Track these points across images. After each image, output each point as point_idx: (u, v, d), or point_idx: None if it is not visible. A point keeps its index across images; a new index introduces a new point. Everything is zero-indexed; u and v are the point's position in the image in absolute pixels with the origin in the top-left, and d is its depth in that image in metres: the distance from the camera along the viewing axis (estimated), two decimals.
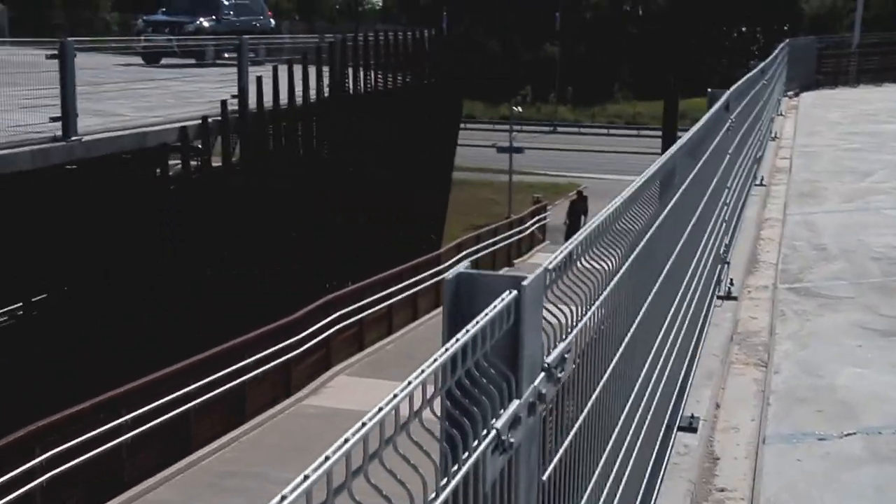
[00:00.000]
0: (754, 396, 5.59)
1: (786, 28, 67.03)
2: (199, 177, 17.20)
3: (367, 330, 18.64)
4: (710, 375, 5.75)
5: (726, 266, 7.51)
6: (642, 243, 3.45)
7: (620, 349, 3.08)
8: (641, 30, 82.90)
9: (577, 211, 29.51)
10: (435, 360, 1.54)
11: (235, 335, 14.52)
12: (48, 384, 13.07)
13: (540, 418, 2.13)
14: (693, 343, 5.58)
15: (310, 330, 16.25)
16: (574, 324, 2.48)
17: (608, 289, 2.76)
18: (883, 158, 14.11)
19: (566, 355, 2.33)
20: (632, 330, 3.31)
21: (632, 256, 3.21)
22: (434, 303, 21.76)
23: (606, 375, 2.84)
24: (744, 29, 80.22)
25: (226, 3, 29.56)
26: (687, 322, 5.14)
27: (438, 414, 1.64)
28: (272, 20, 31.99)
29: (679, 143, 4.55)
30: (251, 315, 15.99)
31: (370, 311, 18.67)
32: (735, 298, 7.30)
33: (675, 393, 4.92)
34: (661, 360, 4.13)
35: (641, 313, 3.54)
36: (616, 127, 68.64)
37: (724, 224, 7.47)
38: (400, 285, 19.96)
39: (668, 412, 4.67)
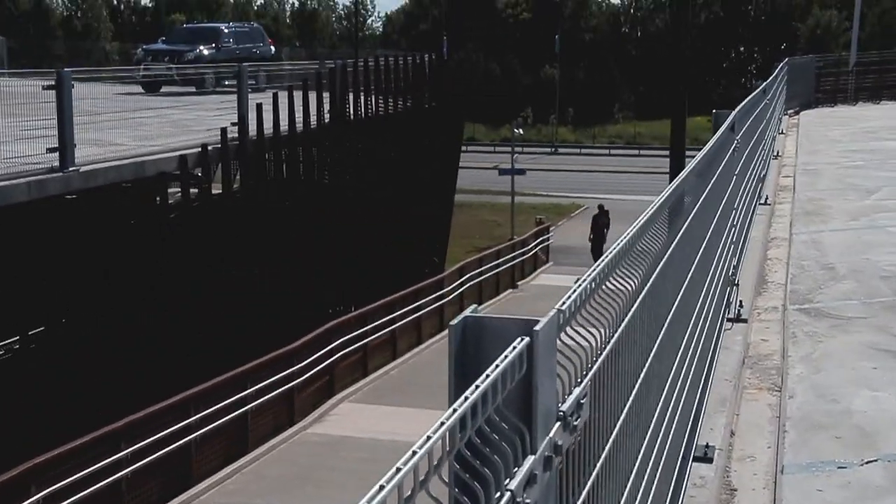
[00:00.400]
0: (769, 423, 5.41)
1: (783, 47, 67.24)
2: (199, 205, 17.07)
3: (370, 355, 18.44)
4: (723, 402, 5.57)
5: (735, 288, 7.35)
6: (656, 271, 3.30)
7: (637, 385, 2.91)
8: (640, 51, 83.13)
9: (601, 225, 30.16)
10: (442, 423, 1.37)
11: (237, 363, 14.33)
12: (46, 417, 12.88)
13: (556, 472, 1.96)
14: (705, 369, 5.42)
15: (313, 357, 16.04)
16: (589, 364, 2.32)
17: (624, 322, 2.60)
18: (886, 175, 13.97)
19: (582, 401, 2.17)
20: (648, 363, 3.15)
21: (646, 287, 3.06)
22: (438, 326, 21.58)
23: (623, 415, 2.68)
24: (741, 49, 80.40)
25: (225, 31, 29.60)
26: (700, 347, 4.98)
27: (446, 479, 1.47)
28: (272, 47, 31.99)
29: (689, 167, 4.41)
30: (253, 343, 15.81)
31: (373, 336, 18.47)
32: (745, 321, 7.14)
33: (690, 421, 4.75)
34: (676, 389, 3.97)
35: (657, 345, 3.39)
36: (617, 147, 68.69)
37: (733, 245, 7.32)
38: (403, 309, 19.76)
39: (683, 442, 4.49)
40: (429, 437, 1.36)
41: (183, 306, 15.93)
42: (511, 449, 1.68)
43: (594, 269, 2.46)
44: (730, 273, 7.01)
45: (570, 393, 2.05)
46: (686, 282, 4.27)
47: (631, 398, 2.77)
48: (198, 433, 13.16)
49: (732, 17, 79.28)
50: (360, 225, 21.49)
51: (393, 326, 19.24)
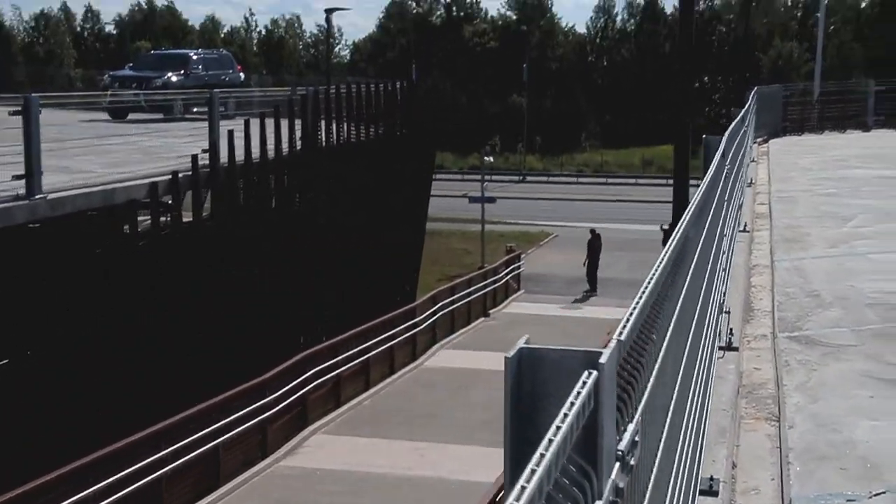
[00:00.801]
0: (770, 454, 5.31)
1: (746, 77, 68.12)
2: (169, 232, 16.80)
3: (343, 386, 18.25)
4: (722, 432, 5.47)
5: (726, 316, 7.29)
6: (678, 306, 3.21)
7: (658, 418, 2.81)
8: (607, 80, 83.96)
9: (595, 249, 31.76)
10: (522, 488, 1.23)
11: (207, 397, 14.05)
12: (11, 454, 12.50)
13: None
14: (702, 398, 5.32)
15: (285, 388, 15.81)
16: (637, 399, 2.19)
17: (661, 353, 2.50)
18: (859, 203, 14.07)
19: (636, 438, 2.04)
20: (647, 393, 3.07)
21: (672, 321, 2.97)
22: (411, 356, 21.46)
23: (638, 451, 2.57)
24: (706, 79, 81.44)
25: (194, 57, 29.39)
26: (695, 377, 4.88)
27: None
28: (242, 74, 31.82)
29: (694, 201, 4.35)
30: (223, 374, 15.54)
31: (346, 366, 18.28)
32: (736, 349, 7.06)
33: (691, 454, 4.64)
34: (678, 420, 3.87)
35: (653, 374, 3.31)
36: (585, 175, 69.12)
37: (723, 272, 7.26)
38: (376, 339, 19.58)
39: (687, 476, 4.38)
40: (523, 488, 1.23)
41: (151, 336, 15.62)
42: (581, 493, 1.56)
43: (642, 299, 2.37)
44: (720, 301, 6.95)
45: (626, 430, 1.93)
46: (677, 310, 4.19)
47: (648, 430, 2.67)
48: (168, 468, 12.85)
49: (697, 47, 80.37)
50: (333, 253, 21.32)
51: (366, 356, 19.05)
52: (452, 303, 24.38)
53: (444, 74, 60.59)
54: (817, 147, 23.66)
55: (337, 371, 17.89)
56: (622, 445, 1.88)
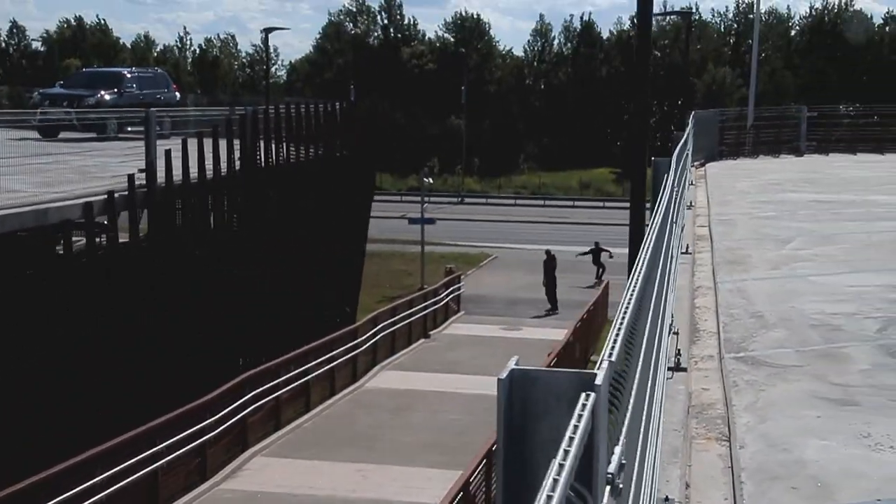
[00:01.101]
0: (722, 473, 5.35)
1: (680, 102, 69.41)
2: (104, 253, 16.49)
3: (283, 408, 18.05)
4: (675, 452, 5.51)
5: (675, 336, 7.37)
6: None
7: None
8: (544, 103, 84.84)
9: (550, 269, 33.14)
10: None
11: (144, 421, 13.77)
12: None
13: None
14: (656, 420, 5.36)
15: (225, 410, 15.57)
16: (621, 421, 2.19)
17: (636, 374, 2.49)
18: (797, 226, 14.36)
19: (624, 461, 2.02)
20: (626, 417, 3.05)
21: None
22: (352, 377, 21.32)
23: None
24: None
25: (128, 75, 28.97)
26: (647, 397, 4.91)
27: None
28: (177, 93, 31.45)
29: (655, 225, 4.38)
30: (161, 397, 15.26)
31: (286, 388, 18.09)
32: (685, 369, 7.16)
33: (646, 475, 4.66)
34: (637, 441, 3.87)
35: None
36: (523, 197, 69.61)
37: (671, 293, 7.34)
38: (316, 360, 19.43)
39: (643, 497, 4.39)
40: None
41: (86, 358, 15.28)
42: None
43: (624, 319, 2.37)
44: (669, 322, 7.02)
45: (613, 452, 1.92)
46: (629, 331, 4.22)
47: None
48: (103, 493, 12.52)
49: (641, 72, 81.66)
50: (272, 274, 21.15)
51: (306, 378, 18.88)
52: (393, 324, 24.31)
53: (382, 96, 60.70)
54: (753, 171, 24.15)
55: (277, 393, 17.69)
56: (612, 468, 1.87)
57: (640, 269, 2.87)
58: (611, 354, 1.99)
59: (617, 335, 2.18)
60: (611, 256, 36.09)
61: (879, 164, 26.24)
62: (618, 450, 1.94)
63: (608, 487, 1.79)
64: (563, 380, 1.69)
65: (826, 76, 79.43)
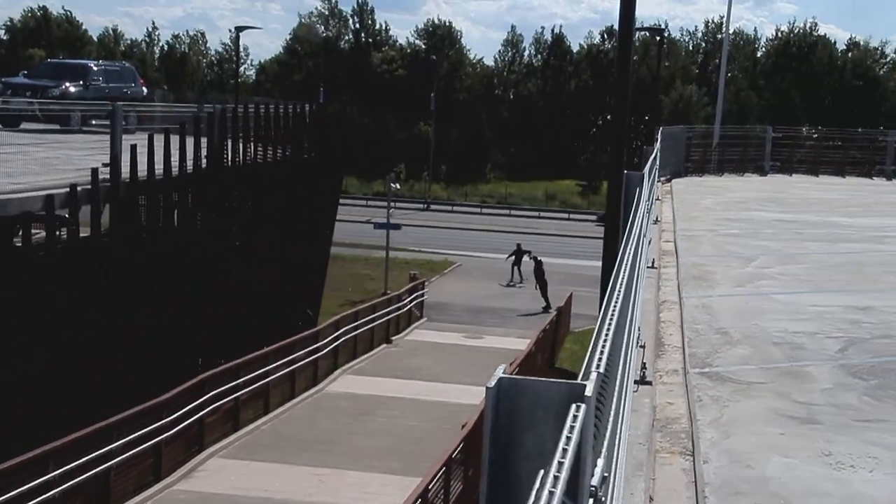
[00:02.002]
0: (686, 488, 5.36)
1: (647, 118, 69.97)
2: (64, 247, 16.23)
3: (242, 409, 17.91)
4: (639, 466, 5.50)
5: (641, 350, 7.38)
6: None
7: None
8: (513, 112, 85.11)
9: (539, 273, 35.28)
10: None
11: (100, 418, 13.56)
12: None
13: None
14: (622, 432, 5.35)
15: (182, 410, 15.39)
16: (602, 434, 2.16)
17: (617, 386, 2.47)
18: (761, 244, 14.50)
19: (605, 474, 2.00)
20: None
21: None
22: (312, 380, 21.21)
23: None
24: (608, 117, 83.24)
25: (94, 68, 28.59)
26: (613, 410, 4.90)
27: None
28: (144, 88, 31.11)
29: (632, 240, 4.38)
30: (119, 395, 15.05)
31: (246, 389, 17.94)
32: (650, 383, 7.15)
33: (613, 488, 4.64)
34: (613, 454, 3.86)
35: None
36: (489, 206, 69.70)
37: (638, 307, 7.35)
38: (277, 362, 19.28)
39: None
40: None
41: (49, 351, 15.02)
42: None
43: (610, 331, 2.35)
44: (636, 335, 7.03)
45: (595, 464, 1.89)
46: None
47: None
48: (56, 490, 12.31)
49: (600, 85, 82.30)
50: (235, 273, 20.97)
51: (266, 380, 18.73)
52: (355, 328, 24.23)
53: (351, 100, 60.60)
54: (718, 188, 24.38)
55: (236, 394, 17.54)
56: (594, 480, 1.84)
57: (621, 282, 2.86)
58: (598, 365, 1.97)
59: (604, 346, 2.15)
60: (531, 258, 37.58)
61: (840, 186, 26.62)
62: (601, 462, 1.91)
63: (591, 500, 1.76)
64: (553, 390, 1.67)
65: (790, 98, 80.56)
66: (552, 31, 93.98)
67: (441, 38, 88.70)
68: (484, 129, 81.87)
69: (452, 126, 79.36)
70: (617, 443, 4.60)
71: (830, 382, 7.24)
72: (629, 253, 4.21)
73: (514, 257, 39.39)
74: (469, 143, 79.80)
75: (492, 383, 1.67)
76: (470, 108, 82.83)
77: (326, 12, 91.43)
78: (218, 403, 16.82)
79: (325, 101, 54.64)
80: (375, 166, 67.82)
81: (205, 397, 16.26)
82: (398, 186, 46.38)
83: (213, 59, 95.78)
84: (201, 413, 16.12)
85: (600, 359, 1.94)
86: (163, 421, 14.78)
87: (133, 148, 17.35)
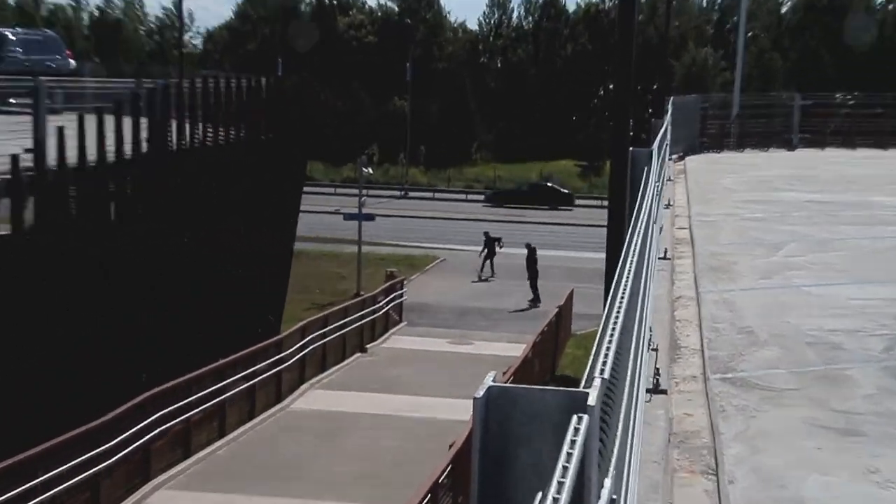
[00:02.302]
0: None
1: (655, 86, 70.15)
2: None
3: (194, 432, 17.87)
4: (654, 487, 5.49)
5: (654, 354, 7.37)
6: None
7: None
8: (501, 84, 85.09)
9: (534, 260, 36.48)
10: None
11: (23, 447, 13.47)
12: None
13: None
14: (632, 449, 5.33)
15: (123, 435, 15.33)
16: (610, 449, 2.13)
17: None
18: (789, 230, 14.55)
19: (614, 497, 1.97)
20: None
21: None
22: (275, 396, 21.17)
23: None
24: (610, 86, 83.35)
25: (11, 37, 28.46)
26: (623, 423, 4.88)
27: None
28: (72, 61, 30.98)
29: (639, 228, 4.36)
30: (48, 419, 14.96)
31: (198, 409, 17.89)
32: (664, 392, 7.15)
33: None
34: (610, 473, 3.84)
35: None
36: (475, 192, 69.64)
37: (649, 304, 7.33)
38: (234, 377, 19.25)
39: None
40: None
41: None
42: None
43: (615, 333, 2.34)
44: (648, 337, 7.01)
45: (602, 486, 1.86)
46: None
47: None
48: None
49: (601, 50, 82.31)
50: (183, 274, 20.91)
51: (222, 397, 18.69)
52: (324, 336, 24.20)
53: (314, 72, 60.43)
54: (739, 166, 24.45)
55: (186, 415, 17.49)
56: (602, 503, 1.82)
57: (629, 276, 2.86)
58: (602, 371, 1.95)
59: (609, 348, 2.14)
60: (500, 247, 39.20)
61: (882, 160, 26.72)
62: (608, 483, 1.88)
63: None
64: (550, 400, 1.67)
65: (820, 59, 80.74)
66: None
67: None
68: (468, 103, 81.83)
69: (431, 100, 79.31)
70: (627, 460, 4.58)
71: (874, 387, 7.26)
72: (637, 242, 4.21)
73: (485, 249, 39.96)
74: (451, 119, 79.76)
75: (480, 393, 1.67)
76: (451, 80, 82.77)
77: None
78: (165, 426, 16.74)
79: (283, 74, 54.44)
80: (344, 148, 67.70)
81: (150, 419, 16.17)
82: (371, 171, 46.27)
83: (152, 26, 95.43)
84: (146, 438, 16.03)
85: (605, 363, 1.92)
86: (100, 449, 14.69)
87: (60, 131, 17.30)
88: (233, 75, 27.03)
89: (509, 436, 1.61)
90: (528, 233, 46.58)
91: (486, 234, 40.87)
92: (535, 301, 35.55)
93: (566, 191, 66.91)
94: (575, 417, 1.56)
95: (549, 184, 67.75)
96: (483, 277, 39.80)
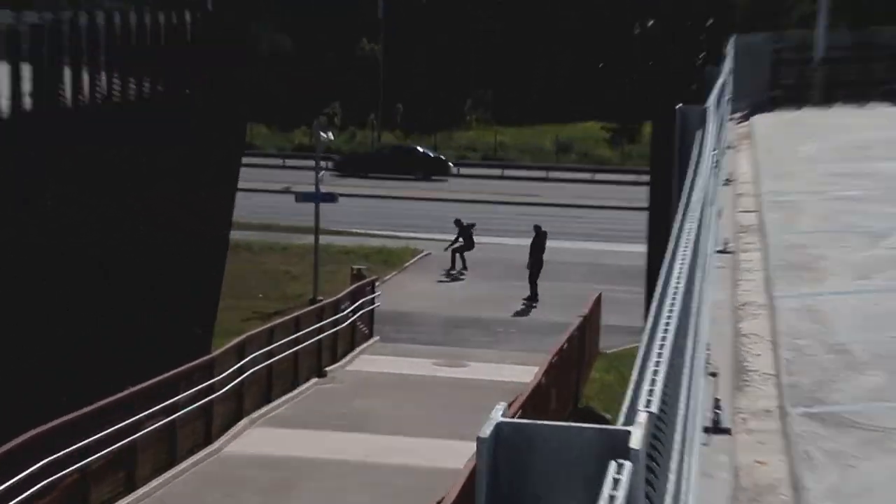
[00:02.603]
0: None
1: (710, 23, 70.45)
2: None
3: (93, 485, 17.82)
4: None
5: (713, 380, 7.41)
6: None
7: None
8: (501, 23, 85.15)
9: (541, 247, 37.65)
10: None
11: None
12: None
13: None
14: None
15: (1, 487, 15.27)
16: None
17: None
18: None
19: None
20: None
21: None
22: (203, 437, 21.12)
23: None
24: (651, 23, 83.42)
25: None
26: (673, 476, 4.79)
27: None
28: None
29: (687, 215, 4.23)
30: None
31: (97, 454, 17.80)
32: (728, 431, 7.24)
33: None
34: None
35: None
36: (469, 164, 69.89)
37: (705, 314, 7.28)
38: (147, 410, 19.17)
39: None
40: None
41: None
42: None
43: (658, 352, 2.32)
44: (704, 358, 6.99)
45: None
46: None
47: None
48: None
49: None
50: (80, 274, 20.89)
51: (132, 437, 18.63)
52: (270, 355, 24.20)
53: (255, 7, 60.44)
54: (825, 128, 24.47)
55: (83, 462, 17.41)
56: None
57: (678, 277, 2.84)
58: (648, 403, 1.94)
59: (656, 373, 2.14)
60: (471, 231, 41.18)
61: None
62: None
63: None
64: (581, 440, 1.61)
65: None
66: None
67: None
68: (458, 48, 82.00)
69: (412, 45, 79.46)
70: None
71: None
72: (688, 232, 4.16)
73: (457, 239, 41.31)
74: (437, 70, 79.92)
75: (486, 431, 1.62)
76: (436, 17, 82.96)
77: None
78: (54, 477, 16.65)
79: (216, 8, 54.31)
80: (297, 108, 67.84)
81: (33, 468, 16.07)
82: (331, 137, 46.25)
83: None
84: (27, 493, 15.93)
85: (651, 392, 1.86)
86: None
87: None
88: (147, 8, 27.00)
89: (525, 489, 1.57)
90: (547, 216, 46.62)
91: (457, 221, 41.77)
92: (533, 300, 36.30)
93: (441, 157, 67.77)
94: (614, 465, 1.51)
95: (418, 148, 68.58)
96: (453, 272, 40.84)
